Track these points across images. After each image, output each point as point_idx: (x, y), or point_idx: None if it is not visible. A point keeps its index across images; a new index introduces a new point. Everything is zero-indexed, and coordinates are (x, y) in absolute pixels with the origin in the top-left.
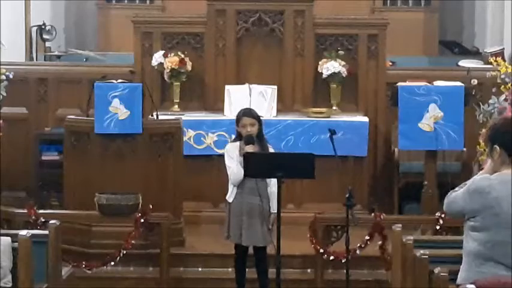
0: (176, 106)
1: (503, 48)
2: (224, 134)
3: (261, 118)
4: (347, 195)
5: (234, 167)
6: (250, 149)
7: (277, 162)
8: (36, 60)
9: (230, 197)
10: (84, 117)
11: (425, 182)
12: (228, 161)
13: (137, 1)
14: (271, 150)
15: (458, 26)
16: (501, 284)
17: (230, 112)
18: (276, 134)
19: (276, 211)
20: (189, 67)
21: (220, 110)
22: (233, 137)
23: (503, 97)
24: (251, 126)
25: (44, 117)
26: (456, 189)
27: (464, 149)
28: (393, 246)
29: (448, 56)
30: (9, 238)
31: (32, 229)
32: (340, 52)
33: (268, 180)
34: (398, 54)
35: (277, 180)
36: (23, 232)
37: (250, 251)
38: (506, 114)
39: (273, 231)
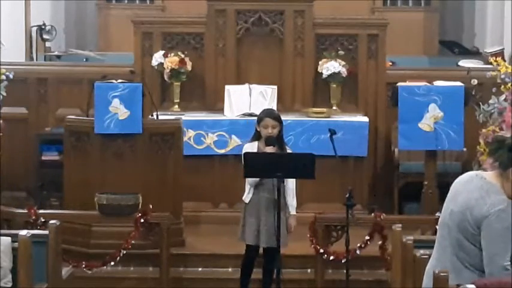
0: (176, 106)
1: (503, 48)
2: (224, 134)
3: None
4: (347, 195)
5: None
6: (270, 150)
7: (277, 162)
8: (36, 60)
9: (247, 197)
10: (84, 117)
11: (425, 182)
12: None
13: (137, 1)
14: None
15: (458, 26)
16: (501, 284)
17: (230, 112)
18: None
19: (295, 212)
20: (189, 67)
21: (221, 110)
22: (233, 136)
23: (503, 97)
24: (273, 128)
25: (44, 117)
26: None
27: (464, 149)
28: (393, 246)
29: (448, 56)
30: (9, 238)
31: (32, 229)
32: (340, 52)
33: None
34: (398, 54)
35: (277, 181)
36: (23, 232)
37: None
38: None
39: (291, 233)
